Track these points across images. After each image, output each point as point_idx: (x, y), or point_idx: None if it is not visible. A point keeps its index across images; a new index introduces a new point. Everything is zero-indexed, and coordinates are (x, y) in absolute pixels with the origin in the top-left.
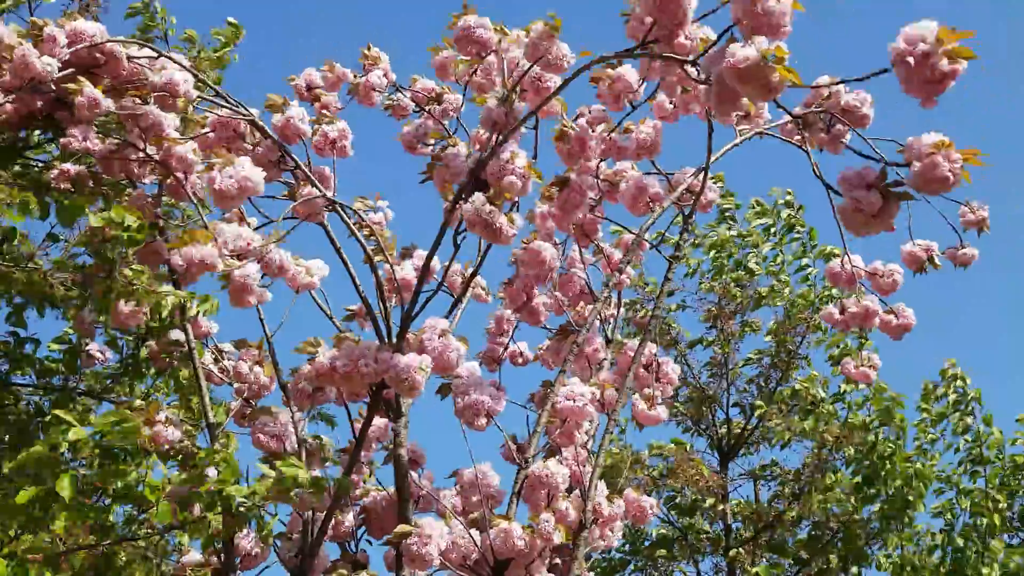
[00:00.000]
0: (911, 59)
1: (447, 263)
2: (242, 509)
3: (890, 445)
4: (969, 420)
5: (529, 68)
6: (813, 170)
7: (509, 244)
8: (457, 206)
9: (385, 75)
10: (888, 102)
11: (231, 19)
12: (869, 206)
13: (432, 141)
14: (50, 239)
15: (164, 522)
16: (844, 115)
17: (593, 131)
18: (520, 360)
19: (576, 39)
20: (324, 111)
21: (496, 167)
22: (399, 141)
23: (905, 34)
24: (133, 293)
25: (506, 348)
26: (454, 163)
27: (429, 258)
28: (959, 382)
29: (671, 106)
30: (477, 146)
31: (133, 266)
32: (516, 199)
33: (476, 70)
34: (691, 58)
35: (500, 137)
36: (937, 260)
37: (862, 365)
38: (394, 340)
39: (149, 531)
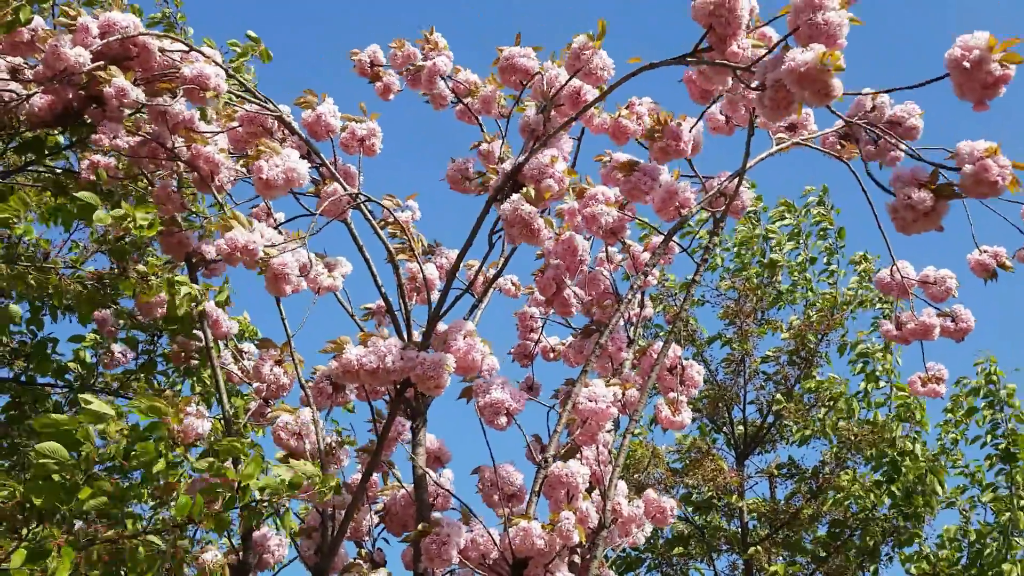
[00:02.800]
0: (967, 64)
1: (480, 262)
2: (262, 503)
3: (908, 442)
4: (999, 416)
5: (568, 80)
6: (862, 177)
7: (542, 245)
8: (493, 206)
9: (449, 61)
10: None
11: (251, 32)
12: (921, 204)
13: (477, 177)
14: (73, 246)
15: (183, 515)
16: (891, 127)
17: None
18: (552, 355)
19: (616, 53)
20: (386, 92)
21: (535, 170)
22: (445, 180)
23: (960, 42)
24: (149, 288)
25: (537, 343)
26: (502, 171)
27: (460, 257)
28: (992, 376)
29: (723, 118)
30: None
31: (149, 259)
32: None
33: (518, 100)
34: (744, 65)
35: (536, 144)
36: (1008, 263)
37: (929, 381)
38: (414, 339)
39: (169, 526)
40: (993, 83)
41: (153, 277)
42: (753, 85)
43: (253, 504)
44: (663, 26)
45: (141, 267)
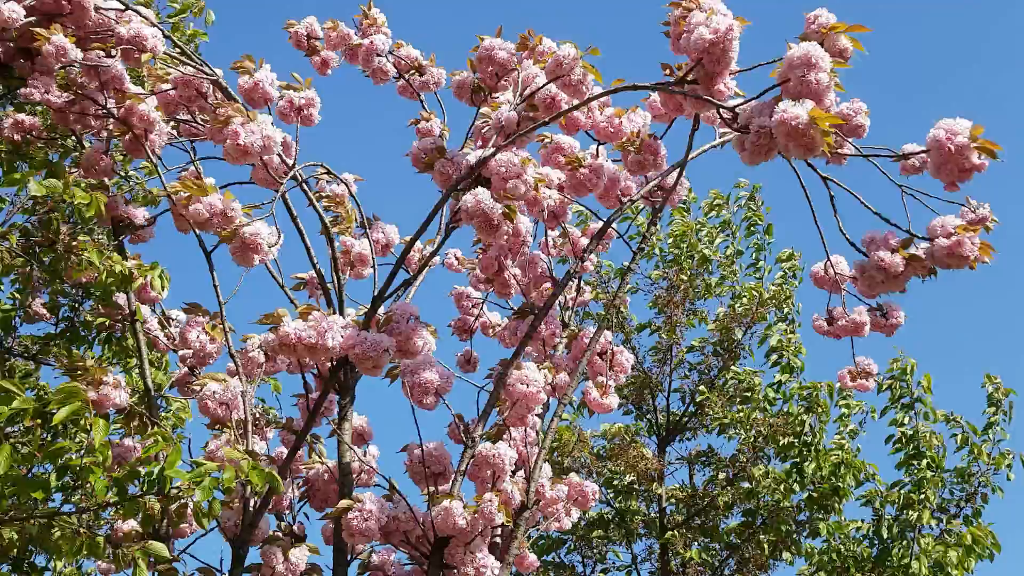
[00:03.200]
0: (951, 147)
1: (436, 248)
2: (188, 492)
3: (815, 434)
4: (906, 417)
5: (545, 84)
6: (839, 226)
7: (500, 240)
8: (453, 197)
9: (387, 39)
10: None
11: None
12: (893, 268)
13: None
14: None
15: (100, 499)
16: (838, 126)
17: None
18: (491, 332)
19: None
20: (324, 66)
21: (503, 167)
22: (408, 157)
23: (944, 125)
24: (80, 264)
25: (477, 319)
26: (457, 158)
27: (412, 242)
28: (906, 376)
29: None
30: (479, 142)
31: (80, 236)
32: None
33: (491, 93)
34: (727, 104)
35: (505, 141)
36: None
37: (859, 375)
38: (348, 314)
39: (84, 506)
40: (969, 170)
41: (83, 252)
42: (735, 126)
43: (175, 491)
44: (642, 32)
45: (70, 240)
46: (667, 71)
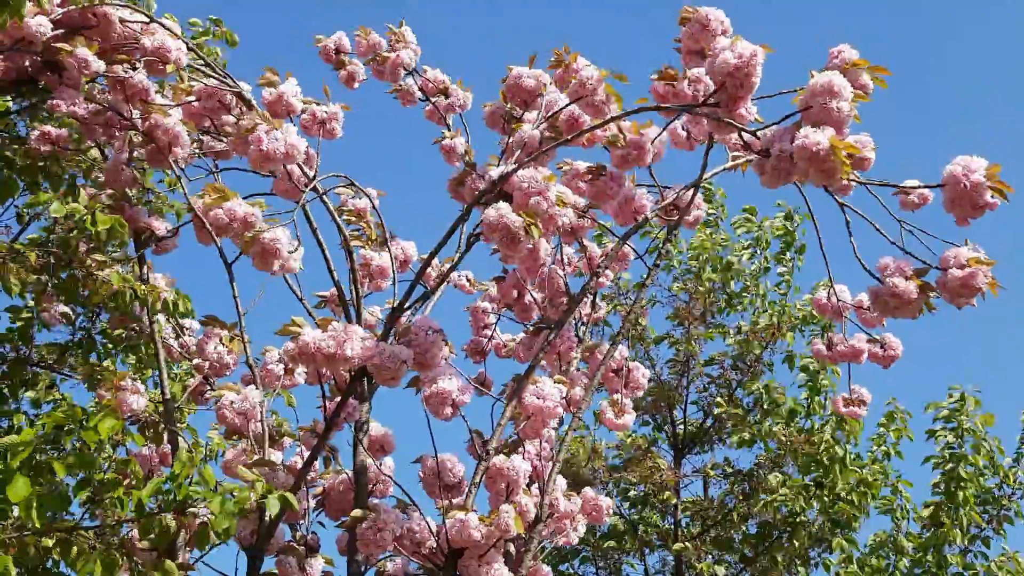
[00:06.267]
0: (966, 184)
1: (452, 263)
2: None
3: (839, 449)
4: (952, 438)
5: (567, 105)
6: (855, 252)
7: (520, 255)
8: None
9: (415, 55)
10: None
11: (213, 16)
12: (907, 294)
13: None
14: (18, 220)
15: (123, 515)
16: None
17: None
18: (504, 352)
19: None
20: (350, 80)
21: (525, 183)
22: (447, 187)
23: (962, 161)
24: (95, 285)
25: (490, 340)
26: (484, 173)
27: (432, 255)
28: (963, 406)
29: (684, 133)
30: (509, 158)
31: (97, 256)
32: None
33: (519, 118)
34: (748, 128)
35: (528, 157)
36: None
37: (852, 403)
38: (362, 325)
39: (103, 520)
40: (982, 207)
41: (101, 273)
42: (756, 149)
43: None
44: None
45: (90, 261)
46: (657, 75)
